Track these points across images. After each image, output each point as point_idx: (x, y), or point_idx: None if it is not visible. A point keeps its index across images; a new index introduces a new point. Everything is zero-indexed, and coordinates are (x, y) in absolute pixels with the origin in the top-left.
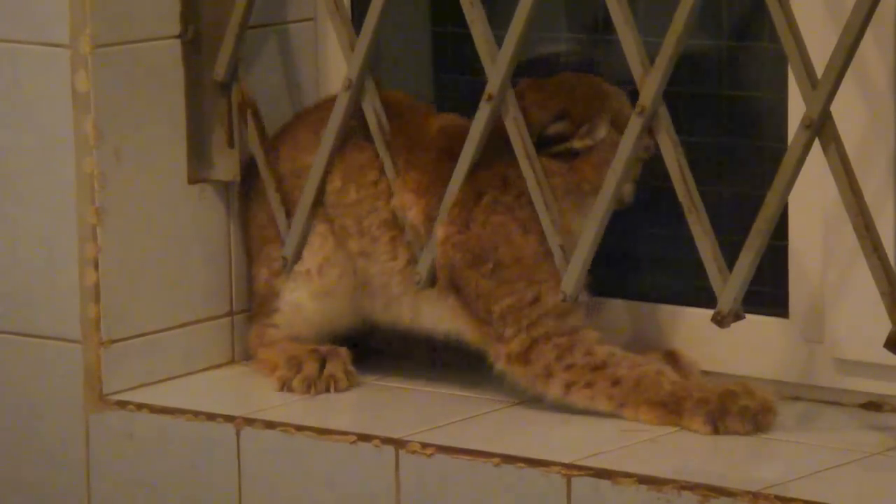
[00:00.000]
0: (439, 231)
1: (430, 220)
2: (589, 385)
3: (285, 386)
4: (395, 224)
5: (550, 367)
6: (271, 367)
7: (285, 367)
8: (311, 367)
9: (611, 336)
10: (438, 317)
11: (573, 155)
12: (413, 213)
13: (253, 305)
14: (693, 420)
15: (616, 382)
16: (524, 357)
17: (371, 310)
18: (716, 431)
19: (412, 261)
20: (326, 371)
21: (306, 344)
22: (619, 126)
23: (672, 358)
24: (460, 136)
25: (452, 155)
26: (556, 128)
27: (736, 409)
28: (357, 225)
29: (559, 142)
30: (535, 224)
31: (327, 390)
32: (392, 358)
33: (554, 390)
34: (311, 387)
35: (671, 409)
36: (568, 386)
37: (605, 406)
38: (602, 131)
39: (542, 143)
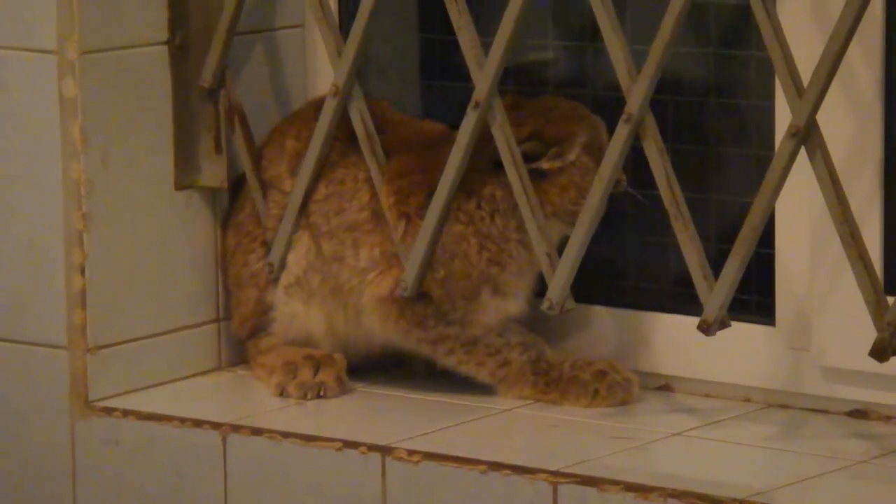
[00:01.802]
0: (401, 228)
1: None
2: (480, 363)
3: (283, 391)
4: (358, 226)
5: (454, 349)
6: (268, 372)
7: (281, 372)
8: (305, 373)
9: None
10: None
11: (540, 176)
12: (387, 211)
13: (243, 331)
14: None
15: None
16: (433, 342)
17: (344, 322)
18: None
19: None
20: (318, 377)
21: (302, 348)
22: (592, 153)
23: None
24: (438, 137)
25: (428, 153)
26: (526, 147)
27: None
28: (326, 224)
29: (528, 161)
30: (490, 243)
31: (318, 396)
32: (381, 364)
33: (447, 362)
34: (306, 393)
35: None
36: (459, 362)
37: (487, 379)
38: (572, 155)
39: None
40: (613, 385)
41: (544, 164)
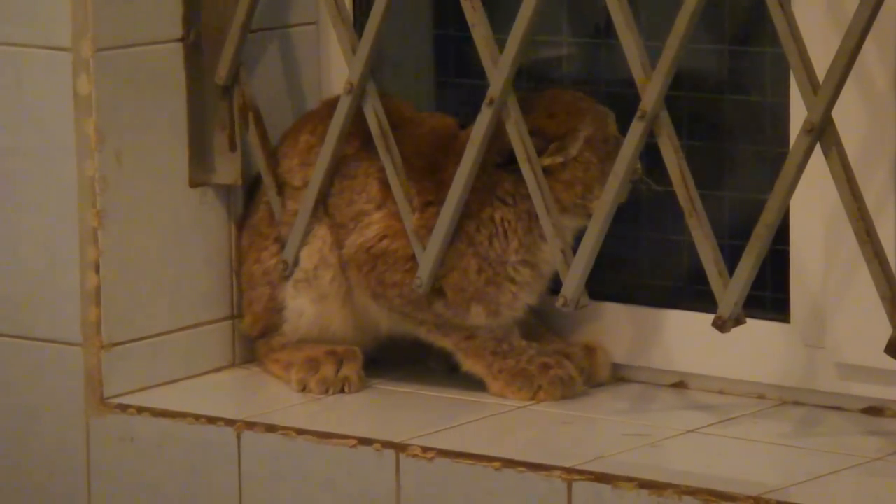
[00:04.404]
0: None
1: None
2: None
3: (304, 387)
4: (365, 213)
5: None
6: (285, 368)
7: (302, 368)
8: (328, 369)
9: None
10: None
11: (544, 173)
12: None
13: (254, 330)
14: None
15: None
16: (466, 343)
17: (364, 315)
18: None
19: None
20: (341, 373)
21: (321, 344)
22: (596, 146)
23: (589, 351)
24: (449, 137)
25: (441, 156)
26: None
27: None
28: (341, 217)
29: None
30: (487, 266)
31: (341, 391)
32: (394, 361)
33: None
34: (328, 388)
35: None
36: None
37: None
38: (573, 149)
39: (513, 160)
40: (555, 380)
41: (545, 160)
